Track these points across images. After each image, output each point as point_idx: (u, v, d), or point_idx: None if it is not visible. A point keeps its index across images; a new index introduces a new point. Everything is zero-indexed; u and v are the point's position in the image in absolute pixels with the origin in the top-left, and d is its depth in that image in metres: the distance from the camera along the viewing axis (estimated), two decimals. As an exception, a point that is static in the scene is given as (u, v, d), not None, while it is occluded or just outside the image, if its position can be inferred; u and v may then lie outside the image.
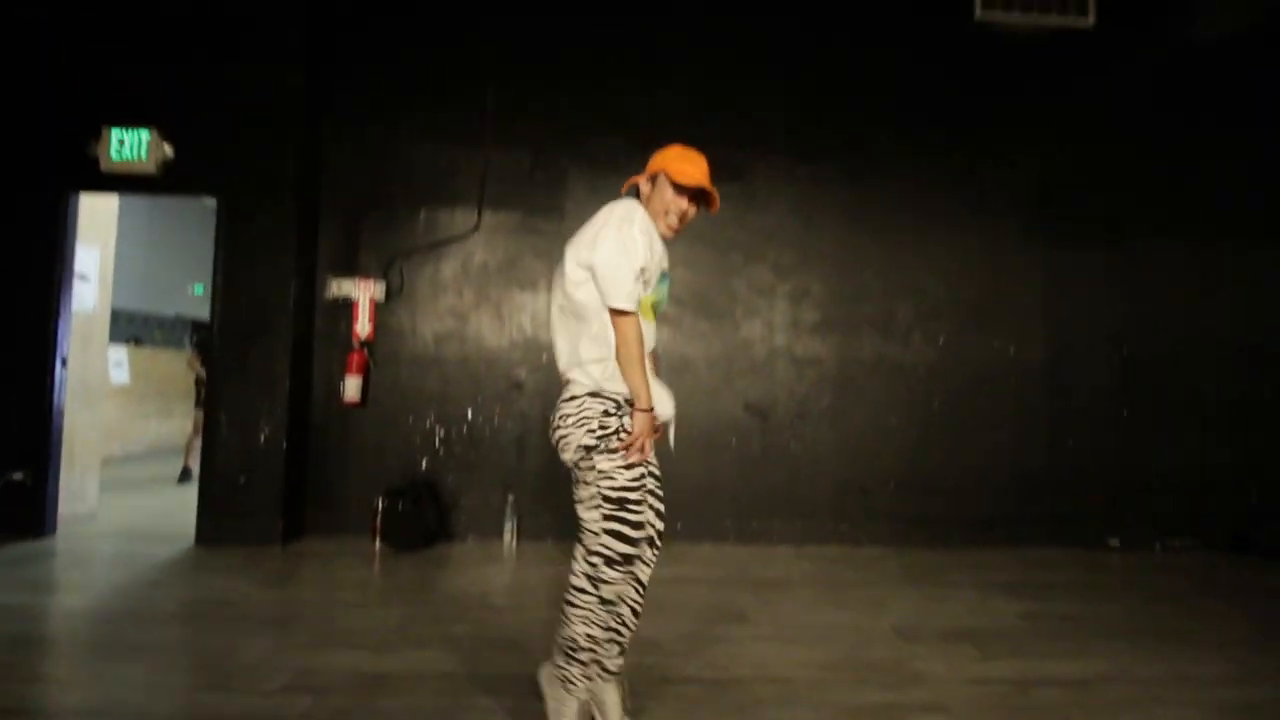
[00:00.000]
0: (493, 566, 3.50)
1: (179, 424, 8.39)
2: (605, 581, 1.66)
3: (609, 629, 1.72)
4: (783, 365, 4.18)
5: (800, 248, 4.23)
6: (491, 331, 4.17)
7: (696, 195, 1.82)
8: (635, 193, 1.90)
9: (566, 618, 1.70)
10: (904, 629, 2.69)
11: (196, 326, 12.02)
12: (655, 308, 1.83)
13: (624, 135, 4.20)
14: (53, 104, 3.86)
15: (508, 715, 1.92)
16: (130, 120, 3.81)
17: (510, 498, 3.98)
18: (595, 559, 1.68)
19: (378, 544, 3.80)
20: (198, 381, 6.15)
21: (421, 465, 4.06)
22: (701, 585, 3.23)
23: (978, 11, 4.17)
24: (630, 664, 2.20)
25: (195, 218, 12.93)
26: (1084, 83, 4.33)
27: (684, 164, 1.80)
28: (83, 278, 4.24)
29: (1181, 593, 3.33)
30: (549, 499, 4.01)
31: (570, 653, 1.70)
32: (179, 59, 3.89)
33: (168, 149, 3.85)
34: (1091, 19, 4.23)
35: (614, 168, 4.19)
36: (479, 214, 4.18)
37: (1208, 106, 4.34)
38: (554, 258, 4.17)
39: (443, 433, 4.10)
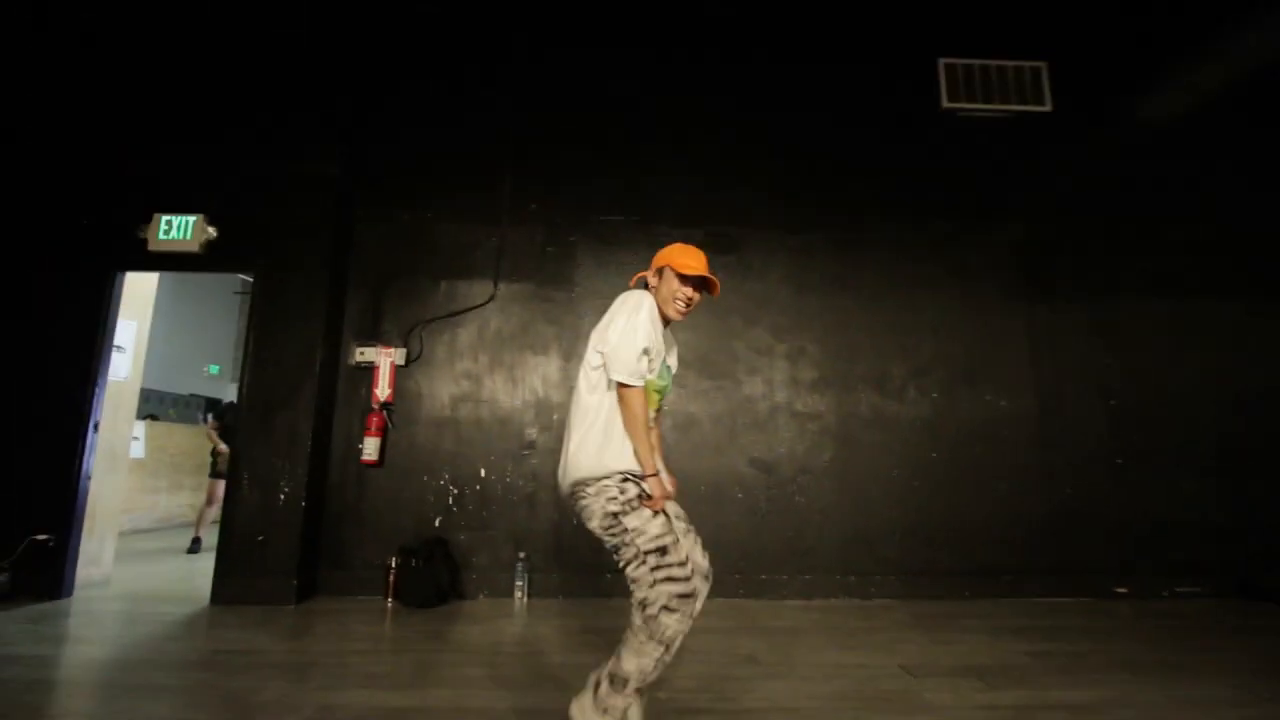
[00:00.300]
0: (504, 621, 3.53)
1: (188, 497, 8.47)
2: (667, 625, 1.78)
3: (658, 662, 1.82)
4: (784, 420, 4.36)
5: (794, 312, 4.51)
6: (505, 393, 4.38)
7: (699, 282, 2.05)
8: (644, 284, 2.13)
9: (620, 655, 1.82)
10: (912, 667, 2.73)
11: (212, 403, 12.32)
12: (661, 393, 2.05)
13: (627, 214, 4.60)
14: (103, 187, 4.24)
15: (527, 739, 1.98)
16: (175, 203, 4.19)
17: (521, 555, 4.05)
18: (652, 609, 1.79)
19: (390, 601, 3.85)
20: (214, 452, 6.29)
21: (435, 523, 4.15)
22: (712, 634, 3.26)
23: (943, 101, 4.66)
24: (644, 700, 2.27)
25: (214, 301, 13.50)
26: (1049, 155, 4.75)
27: (686, 258, 2.04)
28: (119, 349, 4.51)
29: (1187, 632, 3.34)
30: (560, 556, 4.08)
31: (620, 687, 1.80)
32: (225, 150, 4.31)
33: (212, 231, 4.21)
34: (1049, 105, 4.72)
35: (619, 242, 4.56)
36: (495, 285, 4.49)
37: (1171, 175, 4.73)
38: (564, 324, 4.46)
39: (456, 491, 4.22)
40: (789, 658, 2.88)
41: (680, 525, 1.97)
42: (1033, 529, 4.26)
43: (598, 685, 1.86)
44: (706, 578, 1.96)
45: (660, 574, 1.80)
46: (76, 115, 4.31)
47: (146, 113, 4.34)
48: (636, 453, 1.88)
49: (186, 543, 6.27)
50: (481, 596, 4.04)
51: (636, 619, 1.82)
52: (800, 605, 3.95)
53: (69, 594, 3.92)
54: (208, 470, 6.45)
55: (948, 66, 4.73)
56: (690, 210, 4.60)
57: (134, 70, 4.37)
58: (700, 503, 4.20)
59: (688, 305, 2.04)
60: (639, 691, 1.85)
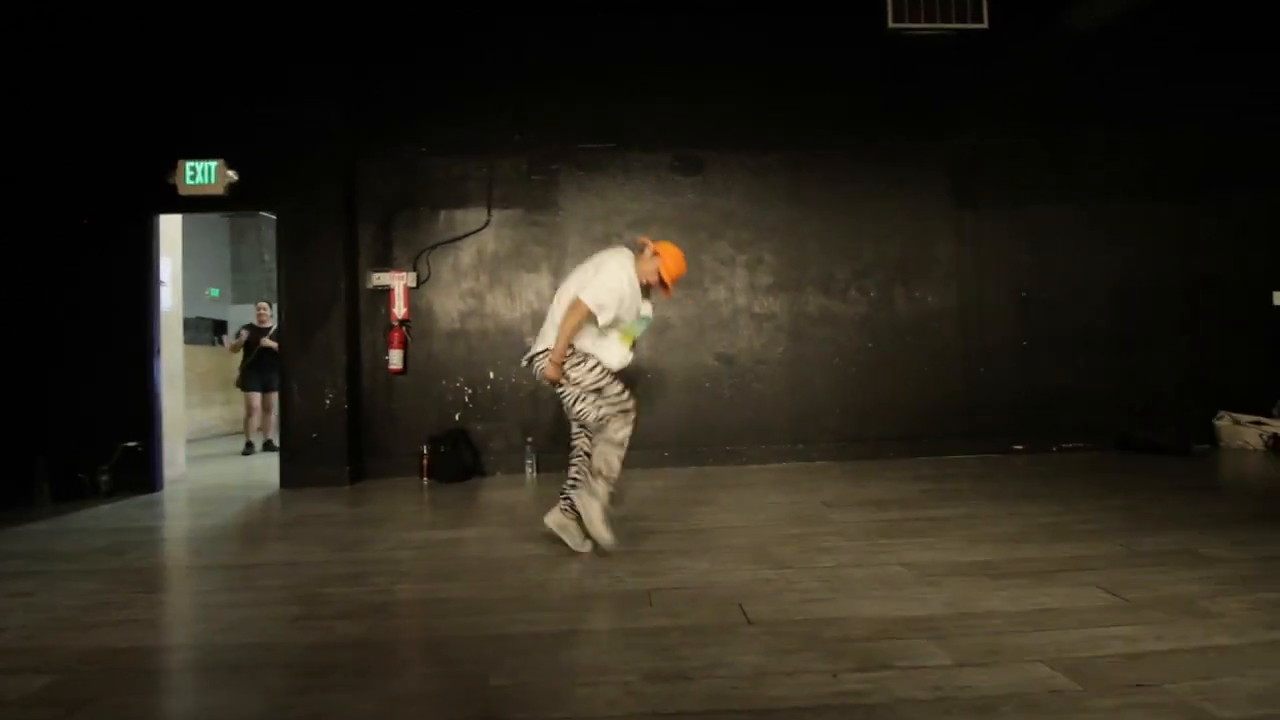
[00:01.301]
0: (518, 489, 4.46)
1: (219, 411, 9.34)
2: (617, 427, 2.69)
3: (620, 460, 2.74)
4: (744, 321, 5.13)
5: (753, 225, 5.16)
6: (505, 307, 5.10)
7: (663, 283, 2.83)
8: (637, 248, 2.89)
9: (595, 459, 2.72)
10: (829, 501, 3.67)
11: (218, 325, 12.99)
12: (632, 335, 2.83)
13: (605, 141, 5.12)
14: (137, 140, 4.72)
15: (550, 549, 2.87)
16: (201, 153, 4.69)
17: (529, 440, 4.94)
18: (605, 424, 2.67)
19: (425, 480, 4.76)
20: (240, 367, 7.04)
21: (455, 418, 5.00)
22: (679, 489, 4.20)
23: (889, 21, 5.07)
24: (625, 516, 3.19)
25: (209, 230, 13.77)
26: (982, 73, 5.23)
27: (676, 268, 2.81)
28: (163, 283, 5.15)
29: (1054, 474, 4.31)
30: (561, 439, 4.95)
31: (602, 475, 2.70)
32: (243, 101, 4.74)
33: (233, 174, 4.73)
34: (986, 22, 5.14)
35: (597, 168, 5.12)
36: (489, 212, 5.08)
37: (1090, 86, 5.25)
38: (552, 244, 5.10)
39: (471, 391, 5.04)
40: (739, 501, 3.81)
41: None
42: (950, 403, 5.16)
43: (564, 497, 2.81)
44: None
45: (603, 404, 2.68)
46: (111, 74, 4.69)
47: (174, 69, 4.73)
48: (557, 341, 2.66)
49: (231, 448, 7.19)
50: (499, 473, 4.97)
51: (590, 443, 2.75)
52: (757, 469, 4.90)
53: (160, 488, 4.81)
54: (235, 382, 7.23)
55: (894, -14, 5.09)
56: (659, 136, 5.12)
57: (164, 29, 4.70)
58: (675, 391, 5.05)
59: (649, 285, 2.84)
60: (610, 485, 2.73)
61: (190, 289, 13.46)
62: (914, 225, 5.20)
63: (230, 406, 9.27)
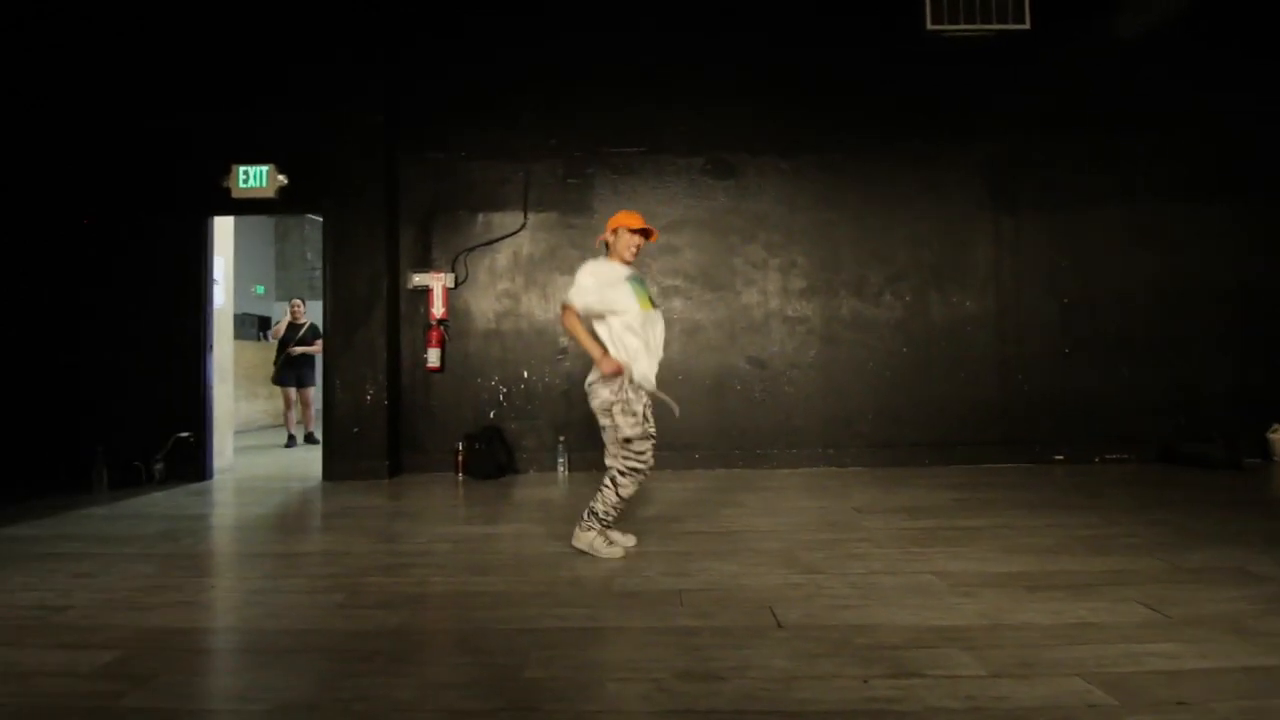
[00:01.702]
0: (550, 487, 4.53)
1: (263, 405, 9.65)
2: (626, 485, 2.77)
3: (615, 506, 2.81)
4: (776, 324, 5.12)
5: (786, 228, 5.15)
6: (539, 308, 5.18)
7: (643, 232, 2.88)
8: (605, 245, 2.95)
9: (597, 500, 2.80)
10: (860, 508, 3.65)
11: (263, 320, 13.41)
12: (646, 298, 2.84)
13: (637, 145, 5.17)
14: (192, 146, 4.94)
15: (578, 553, 2.93)
16: (252, 157, 4.88)
17: (561, 438, 5.01)
18: (629, 463, 2.76)
19: (460, 475, 4.87)
20: (275, 362, 7.26)
21: (490, 415, 5.11)
22: (710, 491, 4.21)
23: (928, 23, 5.00)
24: (655, 516, 3.23)
25: (255, 230, 14.26)
26: (1024, 74, 5.13)
27: (630, 219, 2.87)
28: (216, 281, 5.38)
29: (1096, 485, 4.20)
30: (592, 438, 5.00)
31: (597, 516, 2.79)
32: (289, 105, 4.93)
33: (283, 178, 4.92)
34: (1028, 23, 5.03)
35: (630, 172, 5.17)
36: (524, 215, 5.18)
37: (1133, 88, 5.11)
38: (586, 247, 5.16)
39: (505, 390, 5.14)
40: (769, 504, 3.81)
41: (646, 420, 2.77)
42: (986, 410, 5.07)
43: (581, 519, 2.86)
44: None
45: (628, 455, 2.75)
46: (163, 82, 4.93)
47: (228, 78, 4.94)
48: (582, 343, 2.77)
49: (274, 440, 7.44)
50: (531, 471, 5.05)
51: (615, 469, 2.79)
52: (788, 472, 4.89)
53: (210, 477, 5.02)
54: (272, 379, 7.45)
55: (934, -12, 5.03)
56: (692, 140, 5.15)
57: (212, 32, 4.92)
58: (706, 393, 5.07)
59: (638, 249, 2.87)
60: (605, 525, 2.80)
61: (237, 286, 14.00)
62: (950, 228, 5.13)
63: (273, 400, 9.58)
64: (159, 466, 4.86)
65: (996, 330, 5.11)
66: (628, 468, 2.75)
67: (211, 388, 5.04)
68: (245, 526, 3.55)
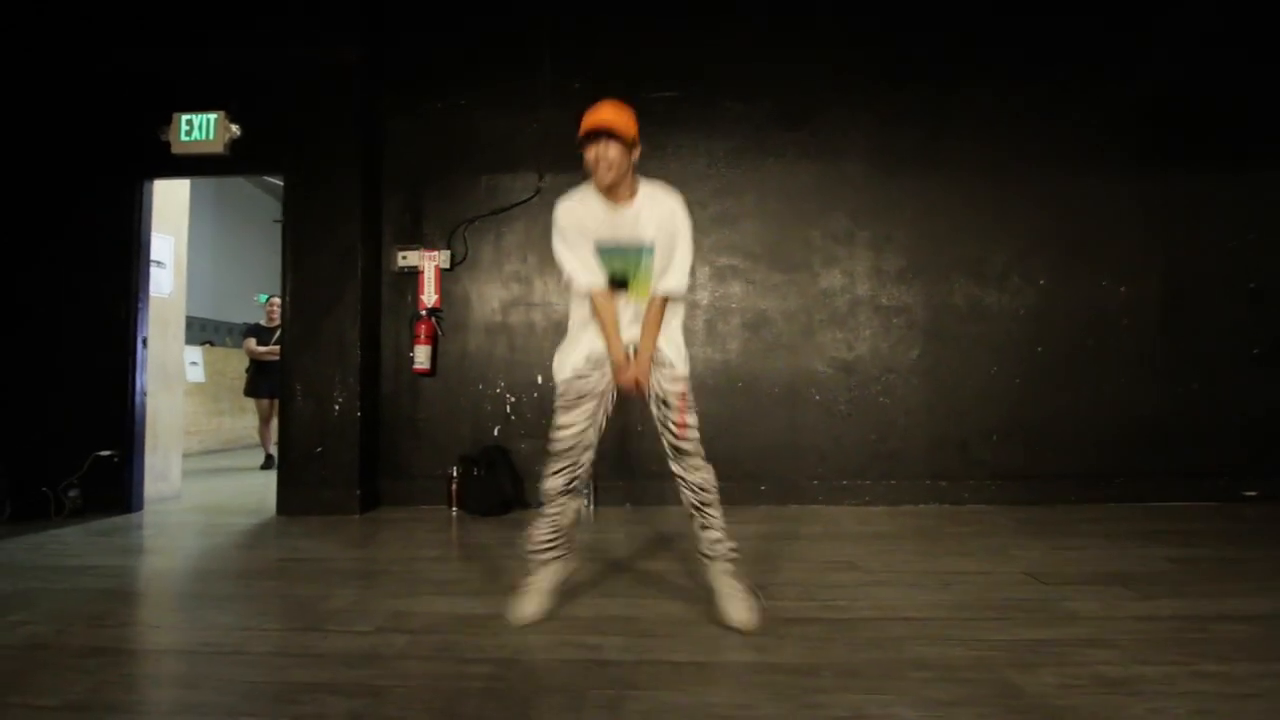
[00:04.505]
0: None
1: (251, 419, 8.61)
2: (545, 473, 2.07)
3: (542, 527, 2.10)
4: (866, 315, 3.93)
5: (878, 191, 3.97)
6: (558, 295, 4.05)
7: (598, 137, 1.90)
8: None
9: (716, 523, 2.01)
10: (1039, 574, 2.42)
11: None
12: (623, 281, 2.00)
13: (683, 85, 4.05)
14: (121, 92, 3.94)
15: (617, 652, 1.76)
16: (199, 105, 3.86)
17: (585, 463, 3.84)
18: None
19: (454, 510, 3.73)
20: (246, 370, 6.23)
21: (494, 432, 3.96)
22: (798, 540, 3.01)
23: (1065, -77, 3.85)
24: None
25: (257, 230, 13.47)
26: (1188, -8, 3.94)
27: (582, 125, 1.92)
28: (159, 264, 4.34)
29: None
30: (626, 464, 3.85)
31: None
32: (242, 42, 3.92)
33: (235, 129, 3.88)
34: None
35: (674, 120, 4.05)
36: (540, 178, 4.07)
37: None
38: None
39: (513, 399, 4.00)
40: (890, 564, 2.60)
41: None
42: (1151, 428, 3.80)
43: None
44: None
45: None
46: (87, 20, 3.94)
47: (164, 9, 3.94)
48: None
49: (254, 461, 6.38)
50: (546, 506, 3.88)
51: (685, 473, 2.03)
52: (886, 511, 3.66)
53: (139, 508, 3.93)
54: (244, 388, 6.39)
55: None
56: (755, 79, 4.02)
57: None
58: (774, 405, 3.88)
59: (599, 167, 1.90)
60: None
61: (238, 293, 13.17)
62: (1096, 191, 3.91)
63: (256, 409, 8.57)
64: (73, 494, 3.78)
65: (1160, 324, 3.86)
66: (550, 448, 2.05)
67: (142, 394, 3.97)
68: (121, 593, 2.41)
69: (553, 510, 2.04)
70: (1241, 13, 3.91)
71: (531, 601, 2.01)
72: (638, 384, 1.96)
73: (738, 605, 1.91)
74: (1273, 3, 3.89)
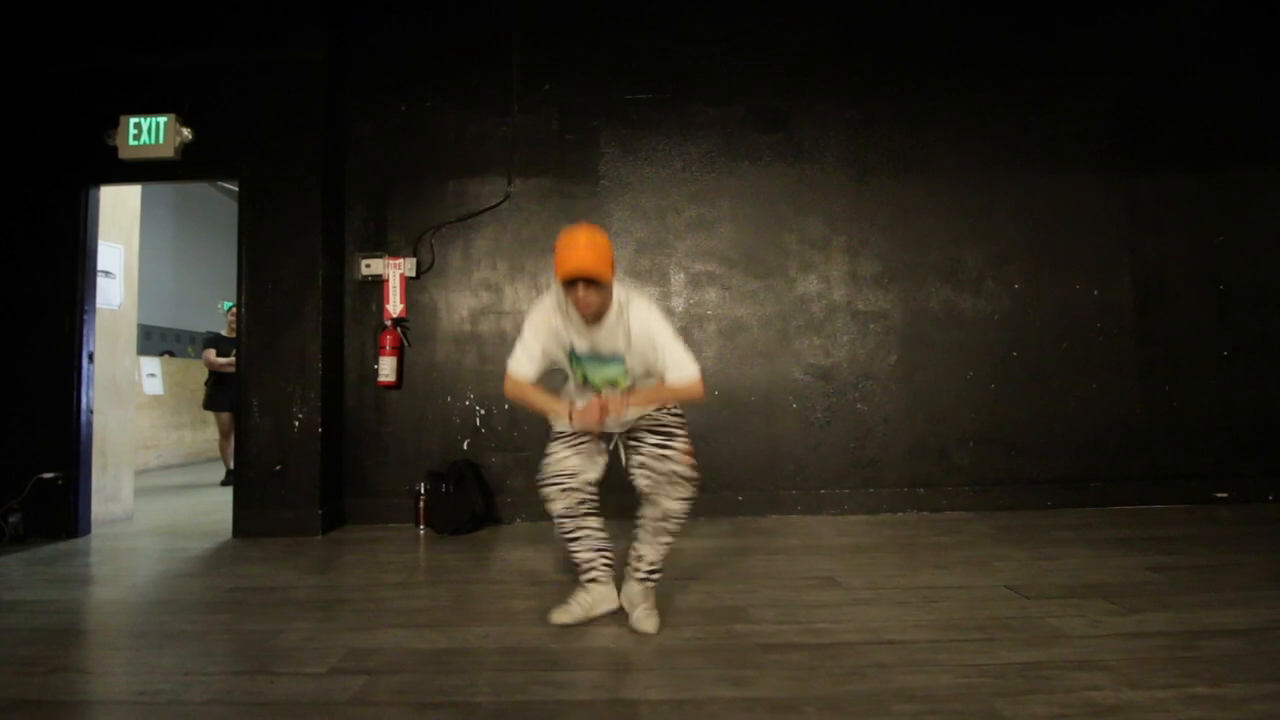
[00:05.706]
0: (545, 545, 3.23)
1: (213, 433, 8.32)
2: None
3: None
4: (843, 321, 3.88)
5: (854, 195, 3.93)
6: (529, 303, 3.92)
7: (577, 282, 1.89)
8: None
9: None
10: (1021, 588, 2.37)
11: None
12: (587, 380, 2.11)
13: (657, 88, 3.97)
14: (68, 95, 3.73)
15: (588, 690, 1.65)
16: (149, 108, 3.67)
17: (558, 477, 3.72)
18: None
19: (421, 529, 3.58)
20: (205, 383, 6.00)
21: (463, 446, 3.82)
22: (776, 554, 2.93)
23: (1035, -73, 3.85)
24: (719, 632, 1.96)
25: (221, 238, 13.08)
26: (1157, -3, 3.97)
27: (560, 260, 1.90)
28: (107, 274, 4.13)
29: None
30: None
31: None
32: (195, 42, 3.74)
33: (187, 133, 3.70)
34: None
35: (647, 124, 3.97)
36: (509, 182, 3.95)
37: (1297, 14, 3.95)
38: (591, 223, 3.92)
39: (483, 412, 3.86)
40: (872, 579, 2.53)
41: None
42: (1124, 432, 3.81)
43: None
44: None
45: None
46: (32, 19, 3.73)
47: (111, 8, 3.74)
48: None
49: (215, 476, 6.14)
50: (519, 520, 3.76)
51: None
52: (865, 520, 3.61)
53: (86, 532, 3.72)
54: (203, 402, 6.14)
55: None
56: (730, 82, 3.95)
57: None
58: (751, 414, 3.81)
59: (581, 307, 1.93)
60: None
61: (201, 301, 12.77)
62: (1071, 194, 3.91)
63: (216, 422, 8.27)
64: (14, 519, 3.56)
65: (1135, 327, 3.87)
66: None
67: (88, 411, 3.75)
68: (54, 632, 2.23)
69: (563, 533, 2.13)
70: (1210, 18, 3.95)
71: (569, 615, 2.12)
72: (603, 409, 1.94)
73: (648, 619, 2.03)
74: (1240, 7, 3.93)
